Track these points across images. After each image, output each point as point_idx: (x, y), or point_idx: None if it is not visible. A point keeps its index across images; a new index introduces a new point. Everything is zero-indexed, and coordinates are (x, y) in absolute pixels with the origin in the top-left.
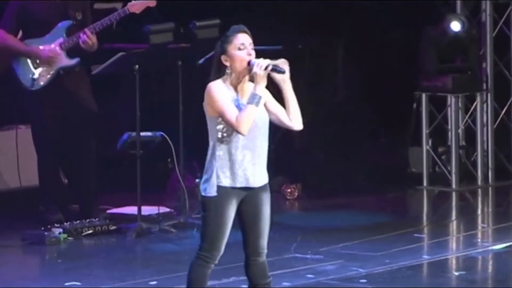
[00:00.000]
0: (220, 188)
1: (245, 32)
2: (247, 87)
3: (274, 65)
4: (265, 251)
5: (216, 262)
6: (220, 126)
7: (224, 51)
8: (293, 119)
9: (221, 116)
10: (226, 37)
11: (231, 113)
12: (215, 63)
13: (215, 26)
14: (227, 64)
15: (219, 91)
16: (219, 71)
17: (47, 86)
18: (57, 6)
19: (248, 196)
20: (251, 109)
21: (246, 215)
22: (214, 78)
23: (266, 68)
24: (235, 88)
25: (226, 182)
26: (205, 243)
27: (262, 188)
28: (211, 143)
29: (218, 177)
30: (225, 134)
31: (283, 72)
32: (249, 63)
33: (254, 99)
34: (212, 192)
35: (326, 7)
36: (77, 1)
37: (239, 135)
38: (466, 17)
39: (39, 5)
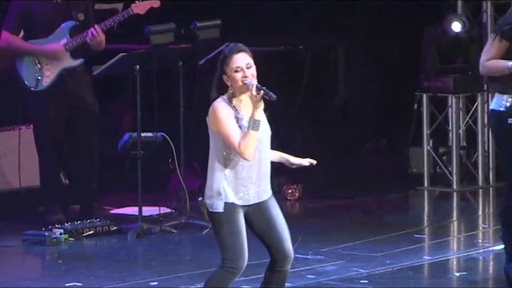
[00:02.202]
0: (227, 204)
1: (242, 51)
2: (248, 99)
3: (265, 91)
4: (292, 256)
5: (240, 273)
6: (226, 144)
7: (224, 72)
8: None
9: (225, 139)
10: (225, 58)
11: (235, 138)
12: (217, 80)
13: (216, 26)
14: (228, 83)
15: (224, 114)
16: (221, 88)
17: (50, 86)
18: (60, 6)
19: (253, 209)
20: (252, 135)
21: (259, 223)
22: (217, 94)
23: (257, 90)
24: (238, 104)
25: (233, 199)
26: (228, 254)
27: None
28: (213, 159)
29: (225, 194)
30: (231, 154)
31: (273, 98)
32: (244, 83)
33: (254, 124)
34: (219, 209)
35: (327, 8)
36: (79, 1)
37: None
38: (467, 17)
39: (42, 6)
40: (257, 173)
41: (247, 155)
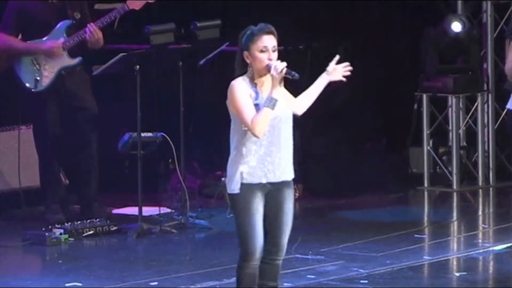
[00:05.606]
0: (243, 185)
1: (271, 33)
2: (268, 81)
3: (288, 70)
4: (284, 252)
5: (257, 257)
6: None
7: (246, 48)
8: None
9: (239, 116)
10: (251, 35)
11: (248, 114)
12: (238, 58)
13: (216, 26)
14: (248, 61)
15: (241, 91)
16: (243, 66)
17: (49, 86)
18: (55, 6)
19: (271, 191)
20: (266, 112)
21: (269, 210)
22: (238, 74)
23: (281, 71)
24: (256, 84)
25: (249, 179)
26: (239, 239)
27: (286, 184)
28: (234, 141)
29: (241, 174)
30: (249, 132)
31: (296, 77)
32: (267, 65)
33: (270, 102)
34: (235, 189)
35: (328, 8)
36: (75, 1)
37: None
38: (467, 17)
39: (37, 6)
40: (278, 152)
41: (257, 131)
